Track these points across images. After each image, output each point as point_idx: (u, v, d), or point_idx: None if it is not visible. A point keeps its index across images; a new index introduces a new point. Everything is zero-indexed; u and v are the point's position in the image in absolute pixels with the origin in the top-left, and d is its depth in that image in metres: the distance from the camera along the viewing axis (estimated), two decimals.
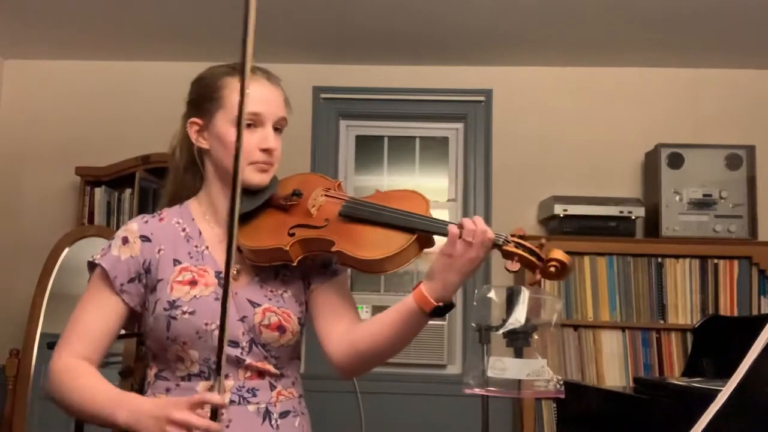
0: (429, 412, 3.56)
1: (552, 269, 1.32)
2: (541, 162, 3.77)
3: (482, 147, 3.80)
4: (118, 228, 3.51)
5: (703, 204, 3.40)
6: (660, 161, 3.45)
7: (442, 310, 1.32)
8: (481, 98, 3.83)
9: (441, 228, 1.32)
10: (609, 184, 3.70)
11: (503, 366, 1.83)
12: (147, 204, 3.57)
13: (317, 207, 1.43)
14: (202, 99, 1.45)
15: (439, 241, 1.34)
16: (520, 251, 1.32)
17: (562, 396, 1.65)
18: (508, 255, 1.33)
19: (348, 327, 1.41)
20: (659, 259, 3.41)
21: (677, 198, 3.42)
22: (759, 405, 1.61)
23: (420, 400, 3.56)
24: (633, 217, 3.45)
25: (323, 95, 3.84)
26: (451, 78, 3.83)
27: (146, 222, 1.46)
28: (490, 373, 1.84)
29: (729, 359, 0.97)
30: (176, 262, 1.40)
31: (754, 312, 3.34)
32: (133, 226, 1.45)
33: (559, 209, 3.43)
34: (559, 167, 3.75)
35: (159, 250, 1.42)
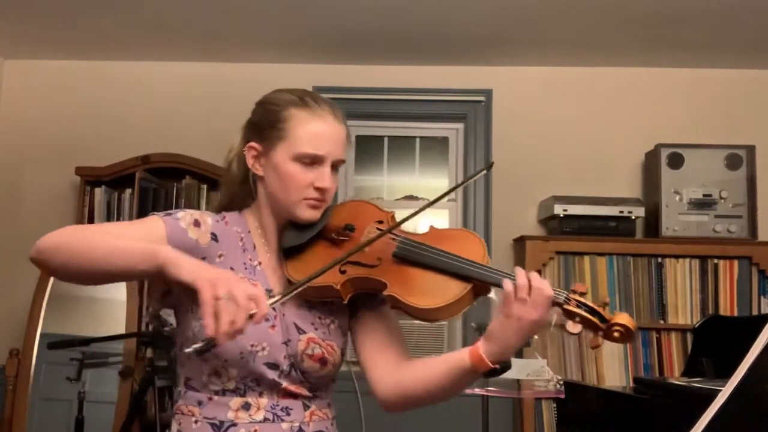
0: (429, 412, 3.54)
1: (616, 334, 1.23)
2: (541, 162, 3.77)
3: (482, 147, 3.80)
4: None
5: (703, 204, 3.40)
6: (660, 161, 3.45)
7: (498, 371, 1.26)
8: (481, 98, 3.83)
9: (497, 280, 1.26)
10: (609, 184, 3.70)
11: None
12: (147, 204, 3.57)
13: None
14: (265, 125, 1.41)
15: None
16: (582, 311, 1.24)
17: (562, 396, 1.66)
18: (569, 315, 1.25)
19: (395, 361, 1.38)
20: (659, 259, 3.41)
21: (677, 198, 3.42)
22: (759, 405, 1.60)
23: None
24: (633, 217, 3.45)
25: (323, 95, 3.83)
26: (451, 78, 3.83)
27: (217, 221, 1.42)
28: None
29: (729, 359, 0.97)
30: (231, 270, 1.37)
31: (754, 312, 3.34)
32: (208, 220, 1.40)
33: (559, 209, 3.43)
34: (559, 167, 3.74)
35: (220, 255, 1.39)
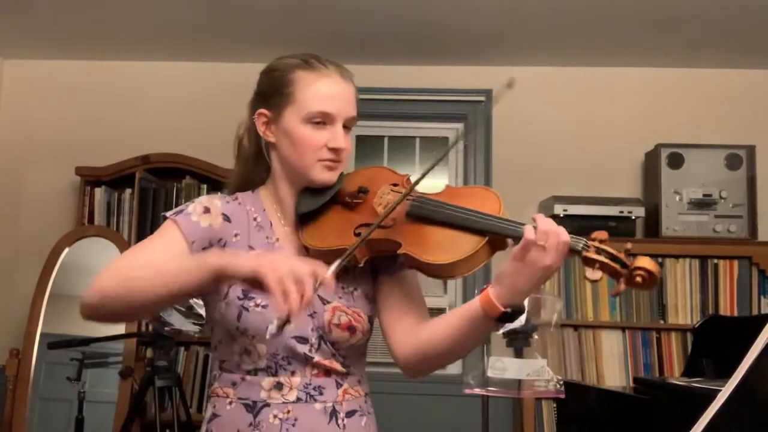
0: (429, 412, 3.55)
1: (638, 279, 1.19)
2: (541, 162, 3.76)
3: (482, 147, 3.80)
4: (118, 228, 3.56)
5: (703, 204, 3.40)
6: (660, 161, 3.45)
7: (510, 316, 1.23)
8: (481, 98, 3.83)
9: (514, 230, 1.23)
10: (609, 184, 3.70)
11: (503, 366, 1.83)
12: (147, 204, 3.57)
13: (384, 205, 1.37)
14: (272, 92, 1.41)
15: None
16: (602, 258, 1.19)
17: (562, 396, 1.65)
18: (588, 262, 1.20)
19: (414, 324, 1.37)
20: (659, 259, 3.40)
21: (677, 198, 3.42)
22: (759, 405, 1.60)
23: (420, 400, 3.56)
24: (633, 217, 3.44)
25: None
26: (451, 78, 3.83)
27: (227, 202, 1.41)
28: (490, 373, 1.84)
29: (729, 359, 0.97)
30: (251, 248, 1.37)
31: (754, 312, 3.34)
32: (217, 202, 1.39)
33: (559, 209, 3.43)
34: (559, 167, 3.74)
35: (236, 234, 1.38)
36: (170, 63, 3.90)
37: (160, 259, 1.27)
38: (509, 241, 1.26)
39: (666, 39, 3.46)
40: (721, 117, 3.75)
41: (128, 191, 3.61)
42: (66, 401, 3.29)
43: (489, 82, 3.82)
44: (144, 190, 3.59)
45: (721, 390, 0.84)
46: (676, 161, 3.45)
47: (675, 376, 3.23)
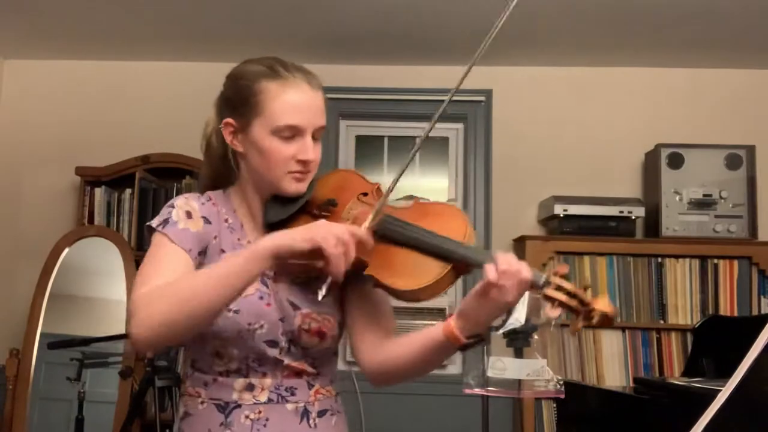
0: (429, 412, 3.55)
1: (594, 319, 1.23)
2: (541, 162, 3.76)
3: (482, 147, 3.80)
4: (118, 228, 3.56)
5: (703, 204, 3.40)
6: (660, 161, 3.45)
7: (473, 343, 1.26)
8: (481, 98, 3.82)
9: (478, 260, 1.24)
10: (609, 184, 3.70)
11: (503, 366, 1.83)
12: (147, 204, 3.57)
13: (351, 220, 1.35)
14: (238, 101, 1.39)
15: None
16: (560, 295, 1.21)
17: (562, 396, 1.66)
18: (547, 299, 1.22)
19: (382, 336, 1.38)
20: (659, 259, 3.41)
21: (677, 198, 3.42)
22: (759, 405, 1.61)
23: (420, 400, 3.56)
24: (633, 217, 3.45)
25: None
26: (451, 78, 3.76)
27: (203, 203, 1.40)
28: (490, 373, 1.84)
29: (729, 359, 0.97)
30: (222, 252, 1.37)
31: (754, 312, 3.34)
32: (194, 204, 1.38)
33: (559, 209, 3.43)
34: (559, 167, 3.74)
35: (215, 237, 1.37)
36: (170, 63, 3.90)
37: (198, 271, 1.25)
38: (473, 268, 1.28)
39: (666, 39, 3.46)
40: (721, 117, 3.75)
41: (128, 191, 3.61)
42: (66, 401, 3.29)
43: (489, 82, 3.82)
44: (144, 190, 3.59)
45: (721, 390, 0.83)
46: (676, 161, 3.45)
47: (675, 376, 3.23)
